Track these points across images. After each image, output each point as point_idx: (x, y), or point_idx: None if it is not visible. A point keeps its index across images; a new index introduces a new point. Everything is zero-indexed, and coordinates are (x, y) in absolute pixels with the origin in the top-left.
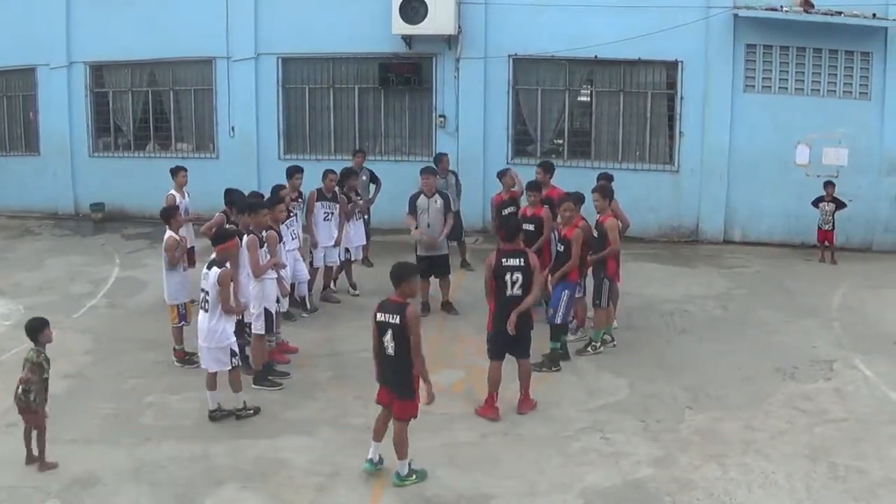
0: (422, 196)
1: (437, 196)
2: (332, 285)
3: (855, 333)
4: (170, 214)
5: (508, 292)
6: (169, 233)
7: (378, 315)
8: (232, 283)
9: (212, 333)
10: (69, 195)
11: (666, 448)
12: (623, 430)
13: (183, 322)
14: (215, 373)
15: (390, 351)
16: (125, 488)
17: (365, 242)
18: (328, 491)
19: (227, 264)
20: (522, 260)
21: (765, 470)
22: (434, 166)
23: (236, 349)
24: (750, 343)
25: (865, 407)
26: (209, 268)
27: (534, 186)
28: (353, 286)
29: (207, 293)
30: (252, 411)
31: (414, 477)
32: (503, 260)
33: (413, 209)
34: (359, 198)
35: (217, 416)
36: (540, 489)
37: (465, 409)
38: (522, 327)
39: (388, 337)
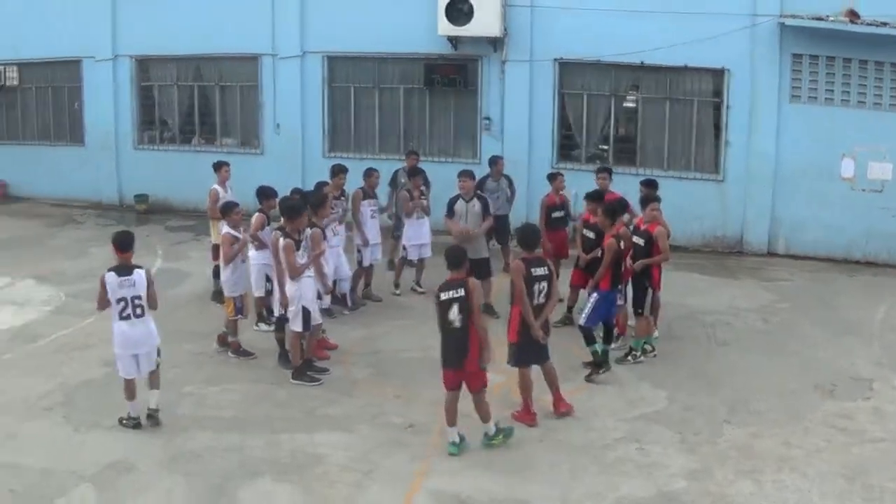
0: (460, 199)
1: (474, 200)
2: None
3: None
4: (227, 210)
5: (535, 301)
6: (226, 229)
7: (441, 295)
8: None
9: (146, 337)
10: (113, 186)
11: (702, 461)
12: (660, 441)
13: (239, 315)
14: (133, 380)
15: (457, 324)
16: (160, 476)
17: (429, 241)
18: (363, 488)
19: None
20: (547, 268)
21: (800, 487)
22: (471, 170)
23: (160, 349)
24: (790, 358)
25: None
26: (127, 273)
27: (594, 196)
28: (419, 284)
29: (137, 298)
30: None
31: (501, 436)
32: (532, 270)
33: (451, 212)
34: (423, 198)
35: (130, 423)
36: (573, 497)
37: (502, 412)
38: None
39: (455, 311)
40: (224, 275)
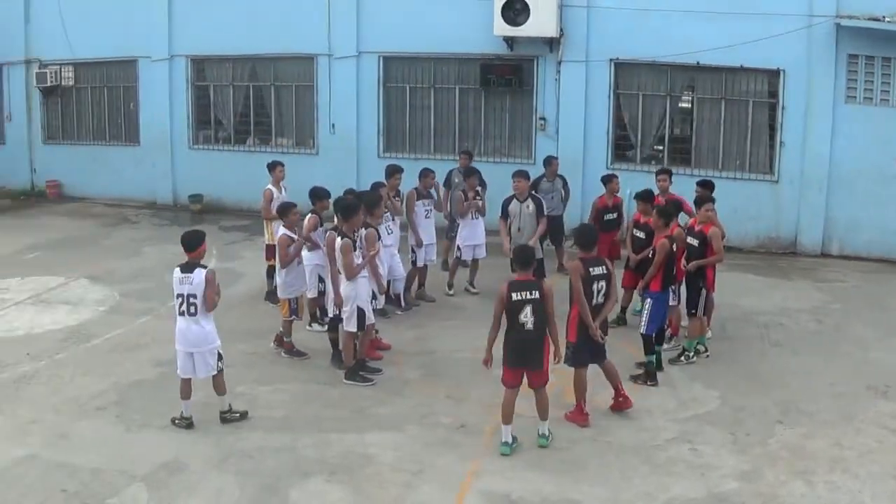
0: (514, 200)
1: (529, 200)
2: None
3: None
4: (284, 211)
5: (594, 301)
6: (282, 230)
7: (513, 295)
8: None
9: (201, 339)
10: (168, 186)
11: (754, 462)
12: (712, 441)
13: (294, 316)
14: (189, 380)
15: (529, 326)
16: (211, 476)
17: (483, 242)
18: (413, 488)
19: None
20: (605, 268)
21: (851, 489)
22: (525, 170)
23: (221, 352)
24: (843, 359)
25: None
26: (189, 271)
27: (645, 196)
28: (472, 284)
29: (192, 297)
30: (238, 415)
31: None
32: (590, 269)
33: (505, 214)
34: (479, 198)
35: (185, 423)
36: (625, 497)
37: (554, 412)
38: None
39: (527, 312)
40: (279, 276)
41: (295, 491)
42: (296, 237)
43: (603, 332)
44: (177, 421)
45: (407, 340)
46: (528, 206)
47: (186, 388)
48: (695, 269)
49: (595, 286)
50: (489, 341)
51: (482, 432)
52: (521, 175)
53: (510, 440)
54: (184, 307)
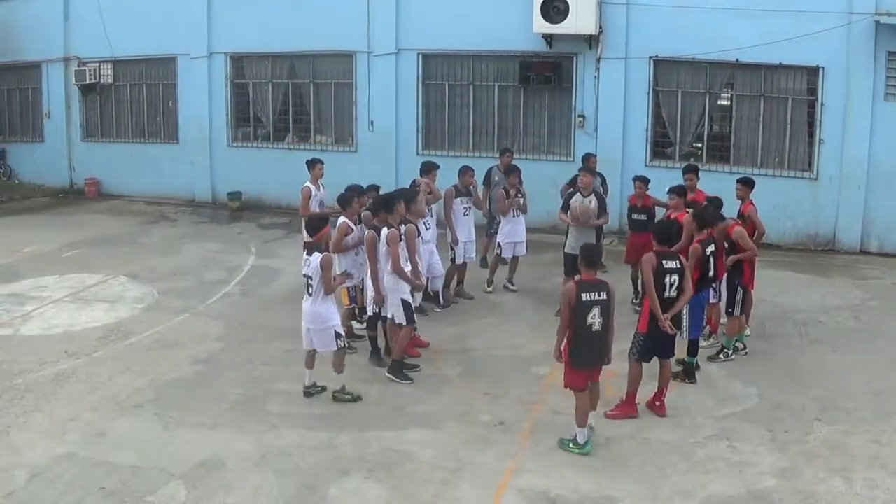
0: (577, 194)
1: (592, 196)
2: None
3: None
4: (346, 202)
5: (666, 294)
6: (342, 218)
7: (583, 296)
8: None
9: (316, 317)
10: (206, 183)
11: (792, 459)
12: (750, 439)
13: (353, 304)
14: (313, 351)
15: (597, 327)
16: (249, 474)
17: (524, 239)
18: (452, 485)
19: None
20: (679, 262)
21: (890, 487)
22: (593, 167)
23: (341, 331)
24: (882, 356)
25: None
26: (310, 253)
27: (676, 191)
28: (511, 282)
29: (311, 278)
30: (350, 396)
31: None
32: (663, 262)
33: (567, 207)
34: (520, 196)
35: (312, 392)
36: (663, 495)
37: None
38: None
39: (595, 313)
40: (338, 264)
41: (333, 489)
42: (355, 228)
43: (676, 326)
44: (305, 389)
45: (445, 338)
46: (590, 202)
47: (309, 359)
48: (731, 265)
49: (668, 279)
50: (560, 340)
51: (520, 430)
52: (587, 170)
53: (588, 440)
54: (306, 286)
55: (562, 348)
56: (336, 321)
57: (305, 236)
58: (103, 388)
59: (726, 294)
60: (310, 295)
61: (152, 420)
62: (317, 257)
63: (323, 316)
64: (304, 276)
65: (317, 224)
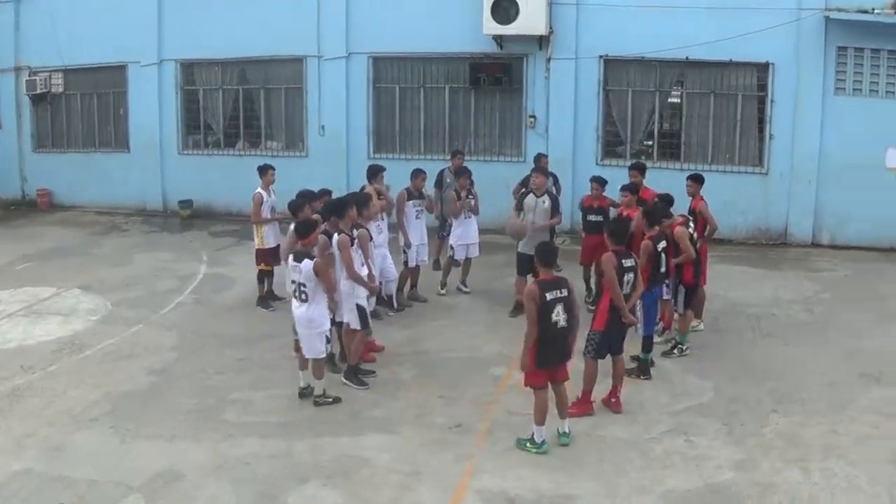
0: (531, 195)
1: (545, 196)
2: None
3: None
4: (297, 208)
5: (623, 292)
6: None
7: (547, 295)
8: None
9: (311, 321)
10: (157, 192)
11: (749, 452)
12: (706, 433)
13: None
14: (300, 353)
15: (563, 323)
16: (207, 484)
17: (476, 241)
18: (410, 489)
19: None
20: (634, 260)
21: (848, 475)
22: (545, 167)
23: (330, 336)
24: (835, 347)
25: None
26: (299, 260)
27: (629, 188)
28: (464, 283)
29: (304, 285)
30: (331, 399)
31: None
32: (622, 261)
33: (520, 207)
34: (471, 197)
35: (306, 393)
36: (621, 491)
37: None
38: (625, 324)
39: (559, 310)
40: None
41: (291, 496)
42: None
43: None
44: (300, 391)
45: (400, 341)
46: (544, 202)
47: (303, 361)
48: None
49: (625, 278)
50: (526, 349)
51: (477, 431)
52: (540, 171)
53: (545, 439)
54: (296, 292)
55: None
56: (327, 325)
57: (257, 243)
58: (59, 401)
59: (673, 292)
60: (303, 301)
61: (109, 433)
62: (308, 264)
63: (317, 320)
64: (295, 282)
65: (305, 229)
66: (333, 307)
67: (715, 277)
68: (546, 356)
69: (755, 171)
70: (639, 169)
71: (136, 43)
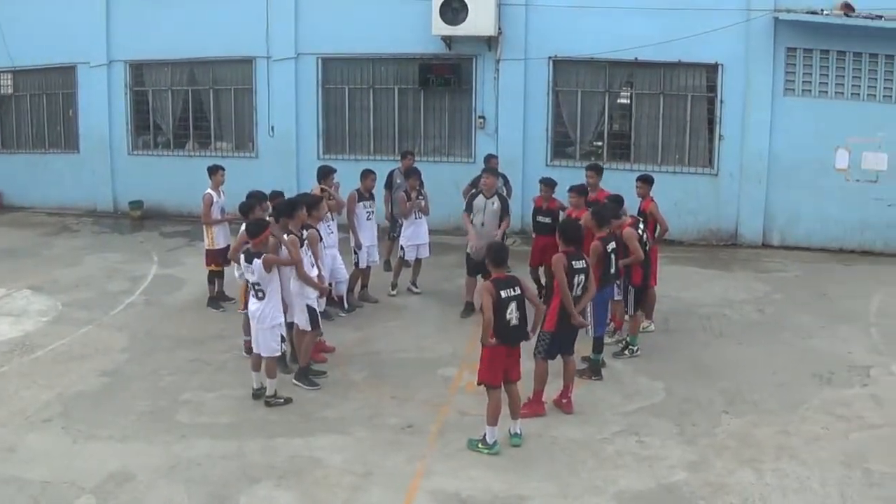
0: (480, 196)
1: (495, 197)
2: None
3: (892, 339)
4: (247, 209)
5: (573, 293)
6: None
7: (502, 293)
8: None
9: (264, 316)
10: (108, 193)
11: (701, 452)
12: (658, 433)
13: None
14: (258, 354)
15: (515, 321)
16: (160, 485)
17: (427, 241)
18: (362, 490)
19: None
20: (585, 262)
21: (800, 475)
22: (495, 168)
23: (285, 334)
24: (787, 348)
25: None
26: (250, 261)
27: (577, 189)
28: (415, 284)
29: (258, 284)
30: (283, 400)
31: (479, 444)
32: (573, 262)
33: (469, 208)
34: (421, 198)
35: (260, 394)
36: (573, 492)
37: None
38: (575, 326)
39: (513, 309)
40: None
41: (244, 497)
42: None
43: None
44: (254, 392)
45: (351, 342)
46: (493, 203)
47: (256, 361)
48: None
49: (576, 279)
50: (488, 333)
51: (429, 432)
52: (491, 173)
53: (497, 440)
54: (253, 292)
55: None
56: (280, 318)
57: (207, 244)
58: (11, 402)
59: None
60: (259, 300)
61: (61, 434)
62: (258, 263)
63: (270, 314)
64: (251, 283)
65: (256, 229)
66: (284, 307)
67: (666, 278)
68: (501, 354)
69: (705, 171)
70: (595, 170)
71: (85, 44)
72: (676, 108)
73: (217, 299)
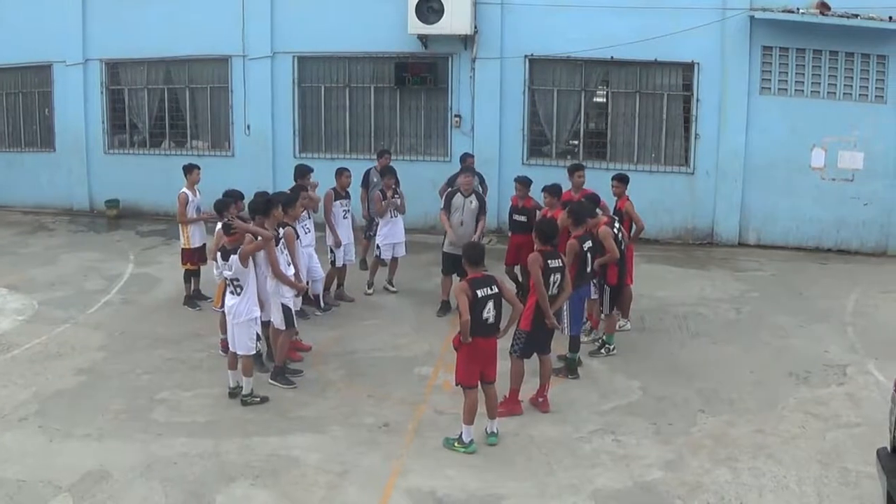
0: (458, 195)
1: (473, 196)
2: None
3: (868, 338)
4: (223, 207)
5: (549, 292)
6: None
7: (479, 292)
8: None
9: (239, 311)
10: (84, 192)
11: (677, 451)
12: (634, 432)
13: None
14: (234, 353)
15: (492, 320)
16: (136, 484)
17: (403, 240)
18: (339, 489)
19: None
20: (561, 261)
21: (776, 474)
22: (473, 167)
23: (260, 332)
24: (763, 347)
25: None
26: (226, 258)
27: (550, 190)
28: (391, 283)
29: (236, 279)
30: (259, 399)
31: (456, 443)
32: (549, 261)
33: (448, 206)
34: (397, 197)
35: (236, 393)
36: (550, 491)
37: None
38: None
39: (490, 307)
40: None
41: (220, 496)
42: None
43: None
44: (230, 391)
45: (327, 341)
46: (471, 202)
47: (233, 360)
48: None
49: (552, 278)
50: (466, 334)
51: (405, 431)
52: (469, 171)
53: (472, 439)
54: (230, 287)
55: (454, 342)
56: (256, 313)
57: (183, 243)
58: None
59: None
60: (237, 295)
61: (37, 433)
62: (233, 258)
63: (244, 309)
64: (228, 280)
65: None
66: (260, 305)
67: (642, 277)
68: (477, 354)
69: (681, 170)
70: (583, 169)
71: (61, 42)
72: (652, 107)
73: (193, 298)
